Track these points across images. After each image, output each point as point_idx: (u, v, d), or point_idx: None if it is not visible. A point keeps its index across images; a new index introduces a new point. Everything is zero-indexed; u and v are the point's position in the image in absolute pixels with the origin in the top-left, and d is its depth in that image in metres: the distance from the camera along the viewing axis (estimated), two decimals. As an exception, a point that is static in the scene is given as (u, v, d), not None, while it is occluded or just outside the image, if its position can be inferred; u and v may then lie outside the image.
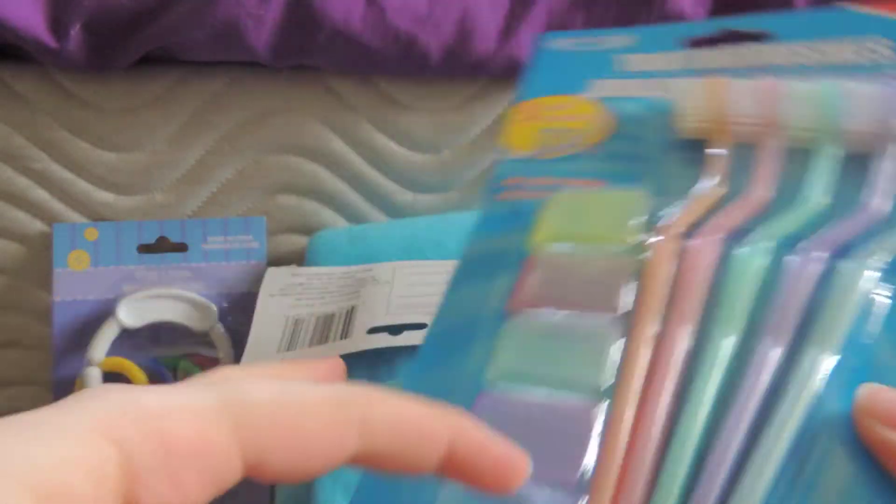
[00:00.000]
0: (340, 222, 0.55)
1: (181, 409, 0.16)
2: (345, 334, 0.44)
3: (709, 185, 0.27)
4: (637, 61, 0.32)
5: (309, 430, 0.17)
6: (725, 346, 0.22)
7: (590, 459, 0.22)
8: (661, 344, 0.23)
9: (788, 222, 0.25)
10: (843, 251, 0.23)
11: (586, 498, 0.21)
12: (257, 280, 0.52)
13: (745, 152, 0.27)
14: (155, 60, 0.50)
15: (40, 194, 0.52)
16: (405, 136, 0.53)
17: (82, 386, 0.49)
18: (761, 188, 0.26)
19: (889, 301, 0.22)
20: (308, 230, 0.54)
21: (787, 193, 0.25)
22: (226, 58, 0.50)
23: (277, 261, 0.54)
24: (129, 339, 0.51)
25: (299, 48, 0.49)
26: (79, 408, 0.15)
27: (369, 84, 0.52)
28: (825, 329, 0.22)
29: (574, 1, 0.49)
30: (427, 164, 0.54)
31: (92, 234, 0.52)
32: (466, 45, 0.49)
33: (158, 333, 0.52)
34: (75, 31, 0.47)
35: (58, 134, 0.51)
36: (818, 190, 0.25)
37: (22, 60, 0.50)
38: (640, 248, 0.26)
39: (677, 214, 0.26)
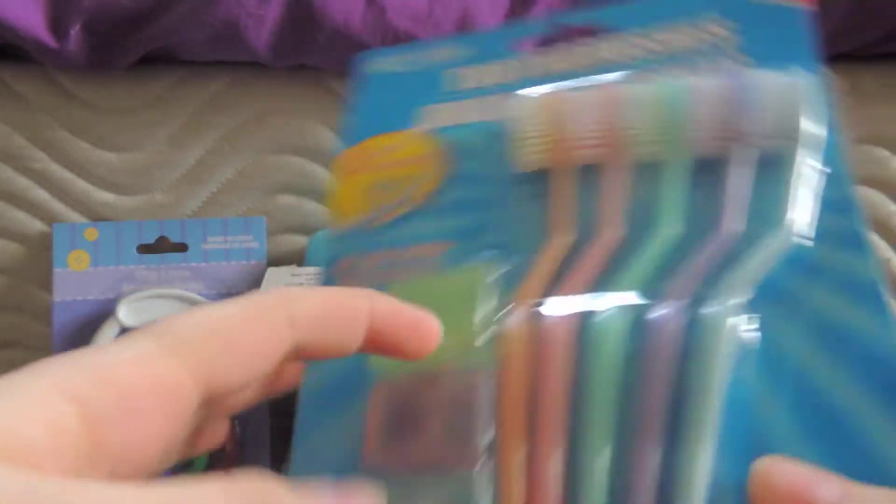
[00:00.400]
0: (340, 222, 0.55)
1: (126, 357, 0.17)
2: (345, 334, 0.44)
3: (555, 233, 0.24)
4: (471, 76, 0.29)
5: (242, 336, 0.18)
6: (600, 466, 0.20)
7: None
8: (532, 473, 0.21)
9: (642, 265, 0.23)
10: (703, 293, 0.21)
11: None
12: (257, 280, 0.52)
13: (590, 180, 0.25)
14: (155, 60, 0.50)
15: (40, 194, 0.52)
16: (405, 136, 0.53)
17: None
18: (610, 226, 0.24)
19: (758, 334, 0.21)
20: (308, 230, 0.54)
21: (639, 225, 0.23)
22: (226, 58, 0.50)
23: (277, 261, 0.54)
24: (129, 339, 0.51)
25: (299, 48, 0.49)
26: (35, 373, 0.16)
27: (369, 84, 0.52)
28: (699, 414, 0.20)
29: (574, 1, 0.49)
30: (427, 164, 0.54)
31: (92, 234, 0.52)
32: (466, 45, 0.49)
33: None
34: (75, 31, 0.47)
35: (58, 134, 0.51)
36: (670, 217, 0.23)
37: (22, 60, 0.50)
38: (490, 351, 0.22)
39: (525, 283, 0.23)
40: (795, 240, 0.22)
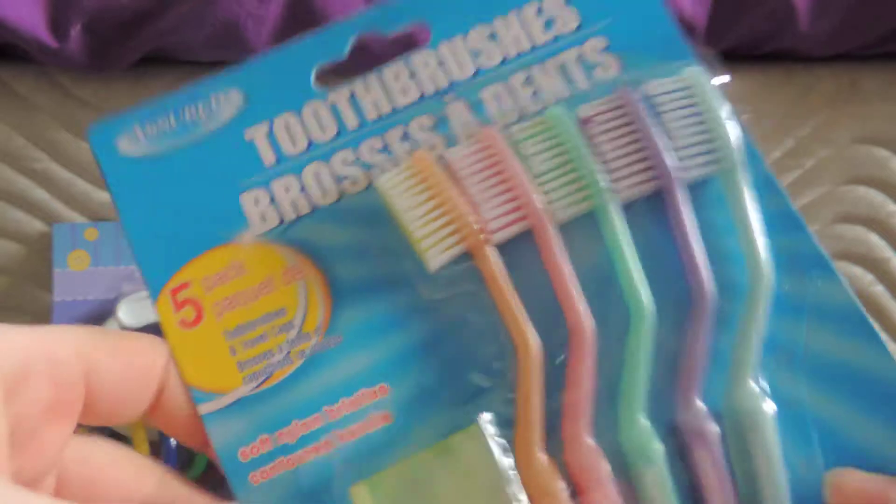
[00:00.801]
0: (340, 222, 0.55)
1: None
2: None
3: (516, 340, 0.22)
4: (264, 141, 0.23)
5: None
6: None
7: None
8: None
9: (638, 366, 0.22)
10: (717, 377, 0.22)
11: None
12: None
13: (520, 257, 0.22)
14: (155, 60, 0.50)
15: (40, 194, 0.52)
16: (405, 136, 0.53)
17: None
18: (574, 317, 0.21)
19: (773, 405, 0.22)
20: (308, 230, 0.54)
21: (604, 304, 0.22)
22: (226, 58, 0.50)
23: (277, 261, 0.54)
24: (129, 339, 0.51)
25: (299, 48, 0.49)
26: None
27: (369, 84, 0.52)
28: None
29: (574, 1, 0.49)
30: (427, 164, 0.54)
31: (92, 234, 0.52)
32: (466, 45, 0.49)
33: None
34: (75, 31, 0.47)
35: (58, 134, 0.51)
36: (631, 284, 0.22)
37: (22, 60, 0.50)
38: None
39: (521, 429, 0.21)
40: (772, 285, 0.22)
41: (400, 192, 0.22)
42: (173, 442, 0.49)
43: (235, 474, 0.21)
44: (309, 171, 0.23)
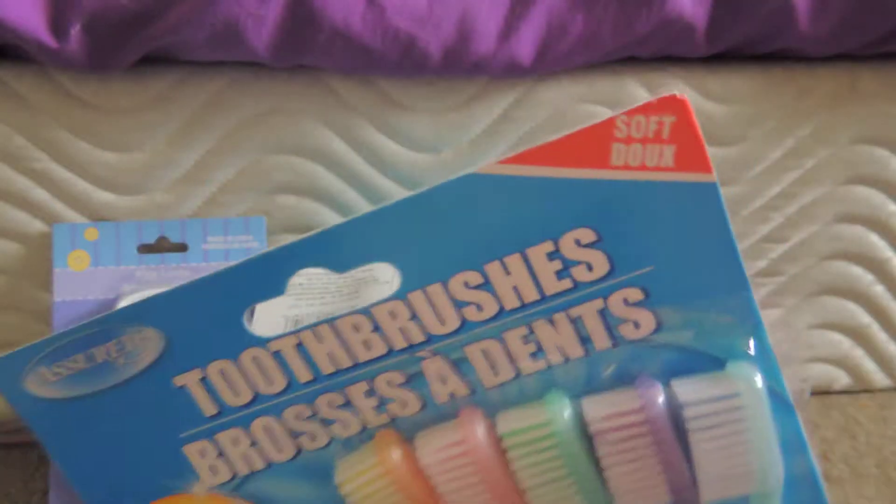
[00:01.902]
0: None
1: None
2: (345, 334, 0.44)
3: None
4: (199, 389, 0.21)
5: None
6: None
7: None
8: None
9: None
10: None
11: None
12: (257, 280, 0.52)
13: None
14: (155, 60, 0.50)
15: (40, 194, 0.52)
16: (405, 136, 0.53)
17: (82, 386, 0.49)
18: None
19: None
20: (308, 230, 0.54)
21: None
22: (226, 58, 0.50)
23: (277, 261, 0.54)
24: (129, 339, 0.51)
25: (299, 48, 0.49)
26: None
27: (369, 84, 0.52)
28: None
29: (574, 1, 0.49)
30: (427, 164, 0.54)
31: (92, 234, 0.52)
32: (466, 45, 0.49)
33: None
34: (75, 31, 0.47)
35: (58, 134, 0.51)
36: None
37: (22, 60, 0.50)
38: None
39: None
40: None
41: (361, 495, 0.19)
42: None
43: None
44: (258, 425, 0.21)
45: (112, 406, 0.21)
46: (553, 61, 0.51)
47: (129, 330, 0.21)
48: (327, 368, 0.21)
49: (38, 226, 0.52)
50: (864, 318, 0.59)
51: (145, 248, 0.53)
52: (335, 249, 0.20)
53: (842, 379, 0.62)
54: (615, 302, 0.19)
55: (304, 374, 0.20)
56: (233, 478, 0.21)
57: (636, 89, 0.53)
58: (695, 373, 0.19)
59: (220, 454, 0.20)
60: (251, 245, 0.53)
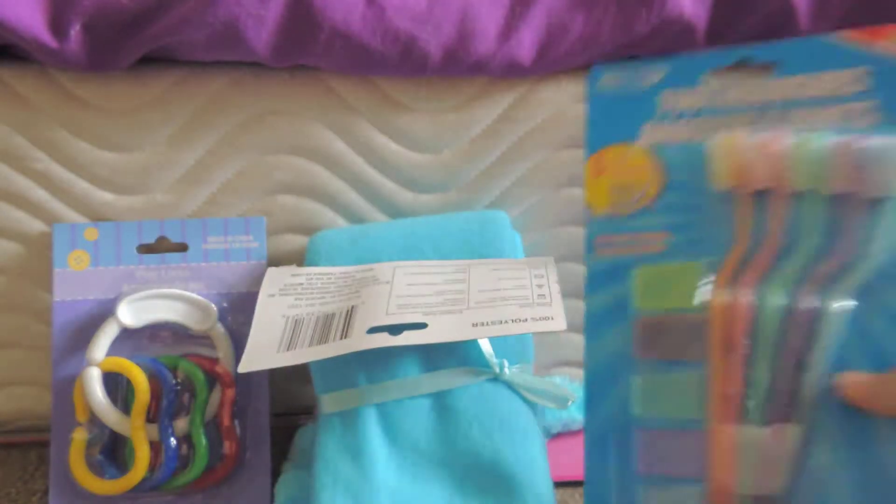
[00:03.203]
0: (340, 222, 0.55)
1: None
2: (344, 334, 0.44)
3: (739, 238, 0.37)
4: (672, 99, 0.39)
5: None
6: (761, 372, 0.36)
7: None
8: (727, 371, 0.36)
9: (790, 269, 0.36)
10: (829, 283, 0.35)
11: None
12: (257, 280, 0.52)
13: (762, 201, 0.36)
14: (155, 60, 0.50)
15: (40, 194, 0.52)
16: (405, 136, 0.53)
17: (82, 386, 0.49)
18: (774, 237, 0.36)
19: (853, 304, 0.34)
20: (308, 230, 0.54)
21: (791, 238, 0.36)
22: (226, 58, 0.50)
23: (277, 261, 0.54)
24: (129, 339, 0.51)
25: (299, 48, 0.49)
26: None
27: (369, 84, 0.52)
28: (821, 349, 0.35)
29: (574, 1, 0.49)
30: (427, 164, 0.54)
31: (92, 234, 0.52)
32: (466, 45, 0.49)
33: (158, 333, 0.52)
34: (75, 31, 0.47)
35: (58, 134, 0.51)
36: (810, 237, 0.35)
37: (22, 60, 0.50)
38: (705, 307, 0.37)
39: (720, 272, 0.37)
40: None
41: (719, 147, 0.38)
42: (173, 442, 0.49)
43: None
44: (677, 127, 0.40)
45: None
46: (553, 61, 0.51)
47: None
48: None
49: (38, 226, 0.52)
50: None
51: (145, 248, 0.53)
52: None
53: None
54: None
55: None
56: None
57: (636, 89, 0.53)
58: None
59: None
60: (251, 245, 0.53)
